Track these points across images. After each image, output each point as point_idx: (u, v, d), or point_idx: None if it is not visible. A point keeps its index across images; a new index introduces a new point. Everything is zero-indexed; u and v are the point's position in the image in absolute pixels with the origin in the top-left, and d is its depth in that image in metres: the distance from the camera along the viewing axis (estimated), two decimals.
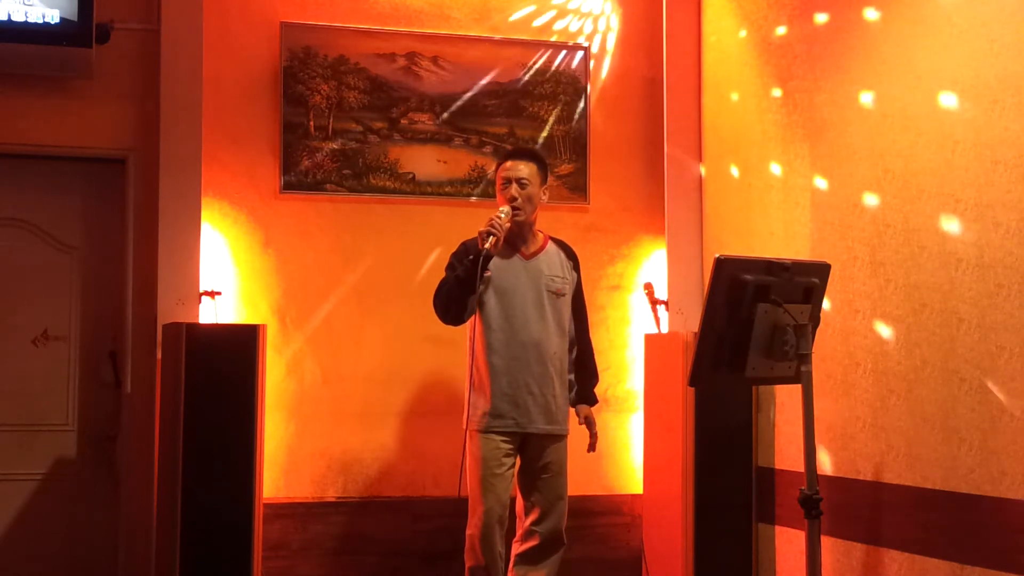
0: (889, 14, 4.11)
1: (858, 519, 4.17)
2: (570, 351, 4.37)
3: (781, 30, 4.73)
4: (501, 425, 4.16)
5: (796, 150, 4.61)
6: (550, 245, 4.37)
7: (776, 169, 4.74)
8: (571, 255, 4.41)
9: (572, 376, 4.39)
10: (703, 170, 5.30)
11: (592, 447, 4.38)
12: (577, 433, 4.37)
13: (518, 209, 4.19)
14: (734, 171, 5.05)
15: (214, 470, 4.28)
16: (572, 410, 4.37)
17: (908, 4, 4.01)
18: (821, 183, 4.46)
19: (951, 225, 3.79)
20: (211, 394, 4.30)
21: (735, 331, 3.17)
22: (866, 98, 4.21)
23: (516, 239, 4.26)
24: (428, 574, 4.94)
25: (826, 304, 3.42)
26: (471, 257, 4.07)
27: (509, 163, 4.26)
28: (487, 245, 4.02)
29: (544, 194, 4.31)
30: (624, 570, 5.17)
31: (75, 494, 4.74)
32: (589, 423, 4.36)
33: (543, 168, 4.32)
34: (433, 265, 4.56)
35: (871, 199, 4.17)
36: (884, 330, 4.09)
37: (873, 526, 4.11)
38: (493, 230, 4.04)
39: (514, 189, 4.20)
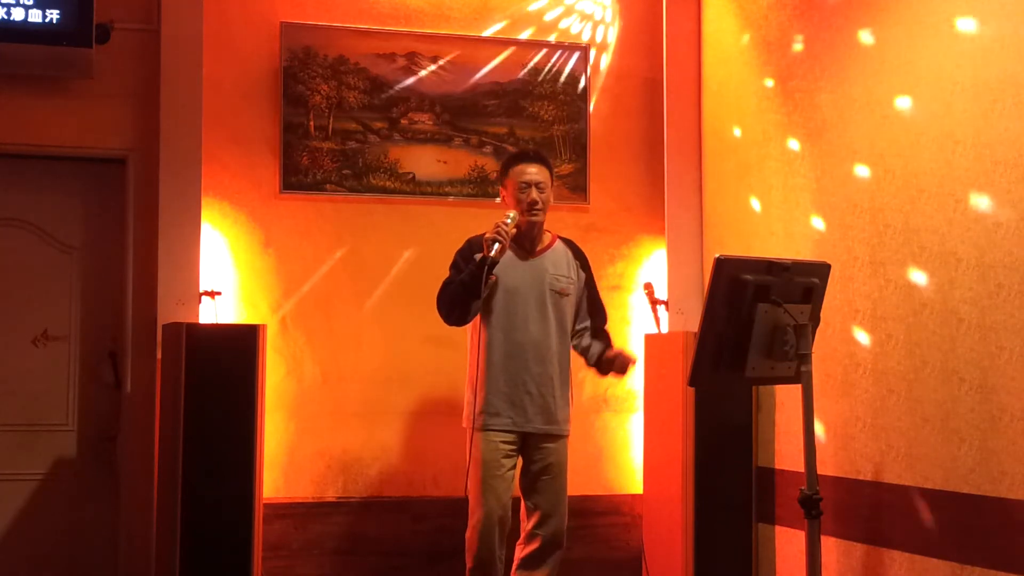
0: (889, 14, 4.11)
1: (858, 519, 4.17)
2: (578, 336, 4.34)
3: (781, 30, 4.73)
4: (498, 424, 4.15)
5: (796, 150, 4.61)
6: (557, 244, 4.37)
7: (776, 169, 4.74)
8: (579, 254, 4.40)
9: (589, 342, 4.33)
10: (703, 170, 5.30)
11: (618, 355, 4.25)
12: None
13: (539, 211, 4.22)
14: (734, 171, 5.05)
15: (214, 470, 4.27)
16: (572, 410, 4.37)
17: (908, 4, 4.01)
18: (821, 183, 4.46)
19: (951, 225, 3.79)
20: (211, 394, 4.29)
21: (735, 331, 3.17)
22: (866, 98, 4.21)
23: (523, 239, 4.26)
24: (428, 574, 4.94)
25: (826, 304, 3.41)
26: (477, 261, 4.07)
27: (527, 167, 4.26)
28: (493, 253, 4.02)
29: (551, 195, 4.35)
30: (624, 570, 5.17)
31: (75, 494, 4.74)
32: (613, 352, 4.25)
33: (551, 171, 4.36)
34: (433, 265, 4.55)
35: (871, 199, 4.16)
36: (884, 330, 4.08)
37: (873, 526, 4.11)
38: (499, 237, 4.04)
39: (535, 193, 4.22)
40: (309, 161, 4.97)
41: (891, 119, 4.08)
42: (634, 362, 4.28)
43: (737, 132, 5.04)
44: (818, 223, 4.46)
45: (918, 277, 3.93)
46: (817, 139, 4.49)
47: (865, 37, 4.23)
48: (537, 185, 4.23)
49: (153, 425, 4.62)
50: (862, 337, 4.19)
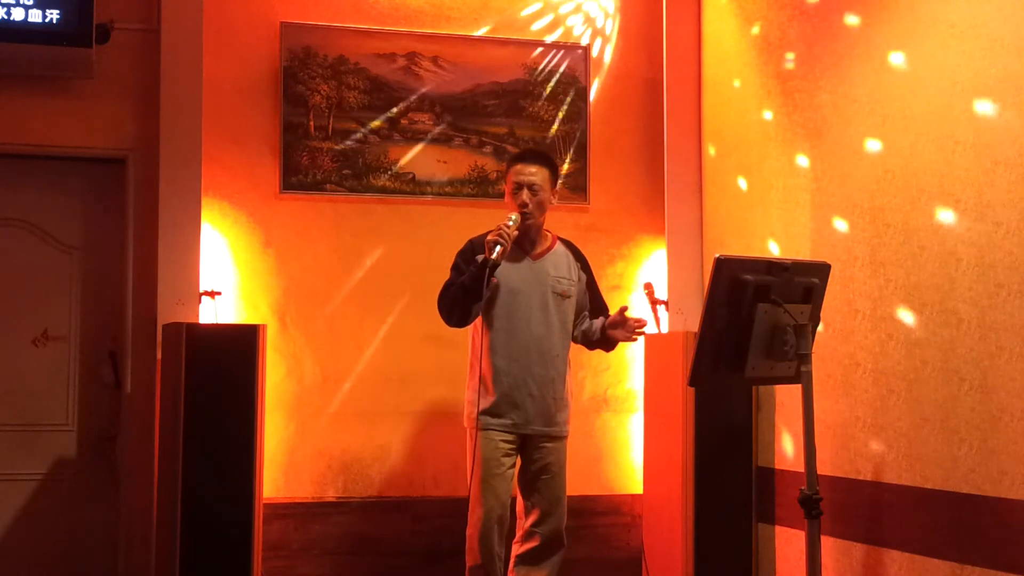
0: (889, 14, 4.11)
1: (858, 519, 4.17)
2: (577, 326, 4.34)
3: (781, 30, 4.73)
4: (499, 424, 4.15)
5: (796, 150, 4.61)
6: (558, 246, 4.35)
7: (776, 169, 4.74)
8: (579, 256, 4.39)
9: (588, 323, 4.34)
10: (703, 170, 5.30)
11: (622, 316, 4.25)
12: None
13: (528, 214, 4.17)
14: (734, 171, 5.05)
15: (214, 470, 4.28)
16: (572, 410, 4.37)
17: (908, 4, 4.01)
18: (821, 183, 4.46)
19: (951, 225, 3.79)
20: (211, 394, 4.30)
21: (735, 331, 3.17)
22: (866, 98, 4.21)
23: (524, 240, 4.25)
24: (428, 574, 4.94)
25: (826, 304, 3.41)
26: (478, 263, 4.06)
27: (522, 167, 4.22)
28: (494, 256, 4.01)
29: (554, 197, 4.30)
30: (624, 570, 5.17)
31: (75, 494, 4.74)
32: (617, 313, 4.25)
33: (554, 172, 4.31)
34: (433, 265, 4.55)
35: (871, 199, 4.16)
36: (884, 330, 4.08)
37: (873, 526, 4.11)
38: (501, 240, 4.02)
39: (525, 195, 4.18)
40: (309, 161, 4.97)
41: (891, 119, 4.08)
42: (645, 323, 4.28)
43: (737, 132, 5.04)
44: (818, 223, 4.46)
45: (918, 277, 3.93)
46: (817, 139, 4.49)
47: (865, 37, 4.23)
48: (530, 187, 4.18)
49: (153, 425, 4.62)
50: (862, 337, 4.19)
